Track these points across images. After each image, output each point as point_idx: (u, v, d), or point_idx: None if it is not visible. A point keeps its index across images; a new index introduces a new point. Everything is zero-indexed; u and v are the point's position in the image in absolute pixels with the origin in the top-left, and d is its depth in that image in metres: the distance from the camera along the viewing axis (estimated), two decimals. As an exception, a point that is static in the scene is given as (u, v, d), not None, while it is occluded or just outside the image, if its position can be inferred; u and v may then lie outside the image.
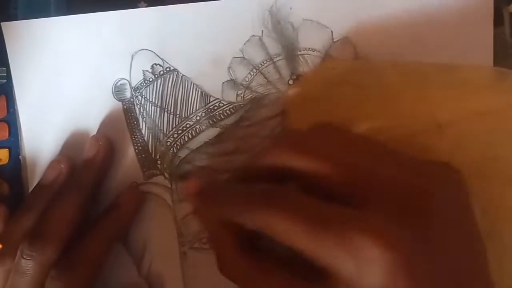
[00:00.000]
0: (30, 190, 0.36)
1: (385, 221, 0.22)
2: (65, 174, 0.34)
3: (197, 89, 0.34)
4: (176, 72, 0.34)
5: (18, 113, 0.36)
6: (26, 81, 0.35)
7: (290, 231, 0.23)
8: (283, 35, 0.34)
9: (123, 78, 0.35)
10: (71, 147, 0.36)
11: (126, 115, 0.35)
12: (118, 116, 0.35)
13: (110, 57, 0.35)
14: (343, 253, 0.21)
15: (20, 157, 0.36)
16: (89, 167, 0.33)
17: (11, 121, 0.36)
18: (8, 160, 0.37)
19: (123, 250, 0.36)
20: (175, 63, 0.34)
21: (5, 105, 0.36)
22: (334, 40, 0.34)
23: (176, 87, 0.35)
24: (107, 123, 0.35)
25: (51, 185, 0.34)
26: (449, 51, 0.32)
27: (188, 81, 0.34)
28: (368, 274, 0.21)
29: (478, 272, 0.23)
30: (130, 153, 0.35)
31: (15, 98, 0.36)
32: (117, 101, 0.35)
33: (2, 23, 0.35)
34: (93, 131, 0.35)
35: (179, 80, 0.34)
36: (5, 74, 0.36)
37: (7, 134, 0.36)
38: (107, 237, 0.33)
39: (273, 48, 0.34)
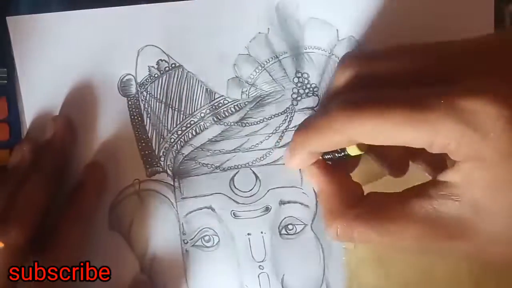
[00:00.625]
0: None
1: (487, 83, 0.21)
2: (28, 158, 0.33)
3: (202, 85, 0.34)
4: (181, 68, 0.34)
5: (23, 108, 0.35)
6: (31, 76, 0.35)
7: (389, 123, 0.22)
8: (289, 33, 0.34)
9: (129, 74, 0.35)
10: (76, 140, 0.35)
11: (131, 111, 0.35)
12: (123, 112, 0.35)
13: (116, 52, 0.35)
14: (453, 122, 0.21)
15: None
16: (48, 149, 0.33)
17: (12, 122, 0.36)
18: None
19: (126, 246, 0.35)
20: (180, 59, 0.34)
21: (6, 106, 0.36)
22: (340, 39, 0.34)
23: (181, 84, 0.35)
24: (112, 119, 0.35)
25: (15, 170, 0.33)
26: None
27: (193, 77, 0.34)
28: (484, 135, 0.21)
29: None
30: (133, 150, 0.35)
31: (20, 93, 0.35)
32: (122, 97, 0.35)
33: (7, 18, 0.35)
34: (98, 126, 0.35)
35: (184, 76, 0.35)
36: (6, 75, 0.36)
37: (8, 135, 0.36)
38: (79, 217, 0.33)
39: (279, 45, 0.34)
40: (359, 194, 0.27)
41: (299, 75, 0.34)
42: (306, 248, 0.35)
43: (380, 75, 0.24)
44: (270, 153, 0.34)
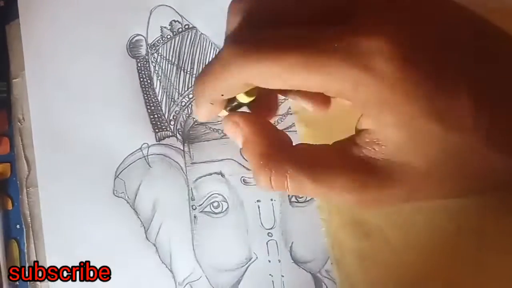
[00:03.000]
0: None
1: (384, 20, 0.20)
2: None
3: (216, 48, 0.34)
4: (195, 30, 0.34)
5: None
6: (36, 33, 0.34)
7: (284, 66, 0.21)
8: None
9: (139, 34, 0.34)
10: (80, 103, 0.34)
11: (140, 73, 0.34)
12: (131, 74, 0.34)
13: (127, 12, 0.34)
14: (349, 66, 0.20)
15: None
16: None
17: (12, 135, 0.35)
18: (10, 174, 0.36)
19: (131, 212, 0.35)
20: (194, 20, 0.34)
21: (6, 119, 0.35)
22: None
23: (194, 46, 0.34)
24: (120, 81, 0.34)
25: None
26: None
27: (206, 39, 0.34)
28: (381, 78, 0.20)
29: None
30: (142, 113, 0.34)
31: (23, 52, 0.34)
32: (131, 58, 0.34)
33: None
34: (106, 89, 0.34)
35: (198, 38, 0.34)
36: (5, 89, 0.35)
37: (8, 148, 0.36)
38: None
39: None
40: (288, 141, 0.26)
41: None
42: (316, 216, 0.34)
43: (276, 13, 0.23)
44: (283, 119, 0.34)
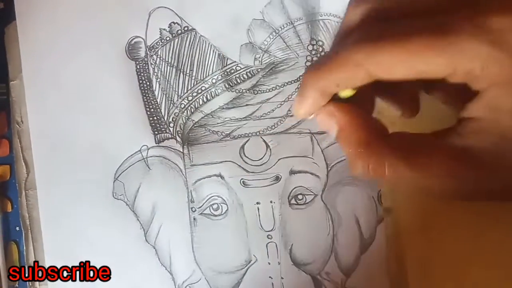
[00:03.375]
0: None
1: (502, 2, 0.20)
2: None
3: (215, 50, 0.34)
4: (194, 32, 0.34)
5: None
6: (34, 36, 0.34)
7: (410, 50, 0.21)
8: (305, -1, 0.33)
9: (138, 36, 0.34)
10: (79, 105, 0.34)
11: (139, 75, 0.34)
12: (131, 76, 0.34)
13: (126, 14, 0.34)
14: (479, 44, 0.20)
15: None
16: None
17: (12, 137, 0.35)
18: (10, 177, 0.36)
19: (131, 215, 0.35)
20: (193, 22, 0.34)
21: (6, 121, 0.35)
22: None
23: (193, 48, 0.34)
24: (119, 83, 0.34)
25: None
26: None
27: (205, 41, 0.34)
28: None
29: None
30: (141, 115, 0.34)
31: (21, 54, 0.34)
32: (130, 60, 0.34)
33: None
34: (104, 91, 0.34)
35: (197, 40, 0.34)
36: (5, 91, 0.35)
37: (8, 150, 0.35)
38: None
39: (294, 11, 0.34)
40: (385, 130, 0.25)
41: (314, 42, 0.34)
42: (315, 218, 0.34)
43: (396, 8, 0.23)
44: (282, 122, 0.34)
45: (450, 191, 0.24)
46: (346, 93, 0.25)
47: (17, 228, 0.36)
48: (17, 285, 0.35)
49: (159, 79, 0.34)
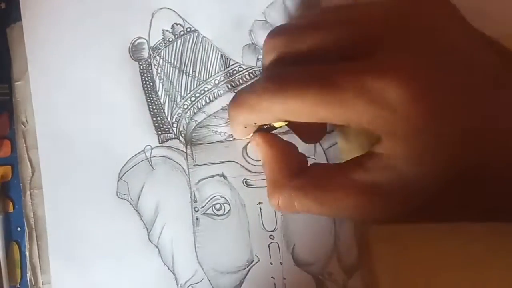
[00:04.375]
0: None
1: (397, 58, 0.22)
2: None
3: (217, 51, 0.34)
4: (196, 33, 0.34)
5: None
6: (39, 36, 0.34)
7: (306, 103, 0.23)
8: None
9: (141, 37, 0.34)
10: (83, 106, 0.35)
11: (142, 76, 0.34)
12: (134, 77, 0.34)
13: (129, 14, 0.34)
14: (363, 102, 0.22)
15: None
16: None
17: (14, 138, 0.35)
18: (11, 177, 0.36)
19: (134, 214, 0.35)
20: (196, 23, 0.34)
21: (8, 122, 0.36)
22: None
23: (196, 49, 0.34)
24: (122, 84, 0.34)
25: None
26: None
27: (208, 43, 0.34)
28: (392, 113, 0.21)
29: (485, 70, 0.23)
30: (144, 116, 0.34)
31: (27, 54, 0.34)
32: (133, 61, 0.34)
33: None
34: (108, 91, 0.34)
35: (200, 41, 0.34)
36: (8, 91, 0.35)
37: (9, 151, 0.36)
38: None
39: (296, 11, 0.34)
40: (303, 165, 0.27)
41: (316, 43, 0.34)
42: (318, 218, 0.34)
43: (302, 51, 0.24)
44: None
45: (370, 220, 0.26)
46: (278, 124, 0.27)
47: (19, 229, 0.36)
48: (18, 285, 0.36)
49: (162, 80, 0.34)
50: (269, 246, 0.34)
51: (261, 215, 0.35)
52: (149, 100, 0.34)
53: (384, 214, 0.25)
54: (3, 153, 0.36)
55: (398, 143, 0.22)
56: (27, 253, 0.35)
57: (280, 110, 0.24)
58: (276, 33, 0.26)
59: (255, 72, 0.34)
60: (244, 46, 0.34)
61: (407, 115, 0.21)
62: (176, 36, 0.34)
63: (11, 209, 0.36)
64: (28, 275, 0.35)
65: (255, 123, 0.26)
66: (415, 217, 0.25)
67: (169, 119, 0.34)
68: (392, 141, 0.22)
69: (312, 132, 0.29)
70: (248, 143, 0.34)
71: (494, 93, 0.23)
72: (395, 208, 0.24)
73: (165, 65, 0.34)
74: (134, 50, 0.34)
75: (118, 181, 0.35)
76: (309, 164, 0.28)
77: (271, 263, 0.34)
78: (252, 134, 0.28)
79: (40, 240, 0.35)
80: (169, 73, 0.34)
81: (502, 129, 0.23)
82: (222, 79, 0.34)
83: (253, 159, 0.34)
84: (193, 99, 0.34)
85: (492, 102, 0.23)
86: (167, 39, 0.34)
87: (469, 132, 0.22)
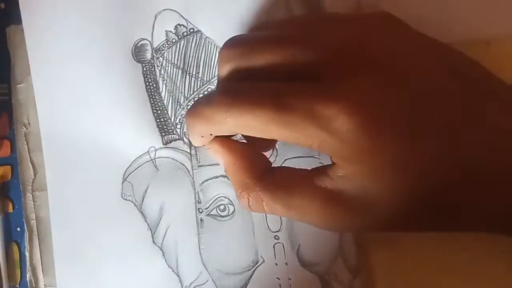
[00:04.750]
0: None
1: (348, 84, 0.22)
2: None
3: (221, 52, 0.34)
4: (200, 34, 0.34)
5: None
6: (41, 38, 0.34)
7: (258, 121, 0.23)
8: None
9: (144, 39, 0.34)
10: (86, 107, 0.35)
11: (146, 78, 0.34)
12: (137, 78, 0.34)
13: (132, 16, 0.34)
14: (312, 127, 0.22)
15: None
16: None
17: (13, 138, 0.36)
18: (11, 177, 0.36)
19: (139, 215, 0.35)
20: (199, 24, 0.34)
21: (7, 122, 0.36)
22: (361, 5, 0.34)
23: (199, 49, 0.34)
24: (125, 86, 0.34)
25: None
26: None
27: (211, 43, 0.34)
28: (340, 140, 0.22)
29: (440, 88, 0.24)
30: (148, 117, 0.34)
31: (28, 57, 0.34)
32: (136, 63, 0.34)
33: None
34: (112, 93, 0.34)
35: (203, 42, 0.34)
36: (7, 91, 0.35)
37: (9, 151, 0.36)
38: None
39: (299, 11, 0.34)
40: (267, 167, 0.28)
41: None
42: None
43: (257, 66, 0.25)
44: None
45: (334, 227, 0.26)
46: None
47: (18, 229, 0.36)
48: (18, 286, 0.36)
49: (165, 81, 0.34)
50: (274, 247, 0.34)
51: (266, 216, 0.34)
52: (152, 102, 0.34)
53: (347, 224, 0.25)
54: (2, 153, 0.36)
55: (346, 165, 0.23)
56: (27, 254, 0.35)
57: (234, 125, 0.24)
58: (231, 45, 0.26)
59: (258, 72, 0.34)
60: (247, 46, 0.34)
61: (354, 142, 0.22)
62: (180, 37, 0.34)
63: (10, 209, 0.36)
64: (28, 275, 0.35)
65: (211, 135, 0.26)
66: (381, 227, 0.26)
67: (172, 120, 0.34)
68: (342, 163, 0.23)
69: (263, 142, 0.29)
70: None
71: (447, 116, 0.23)
72: (357, 218, 0.25)
73: (168, 66, 0.34)
74: (137, 52, 0.34)
75: (122, 183, 0.35)
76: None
77: (276, 264, 0.34)
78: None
79: (42, 243, 0.35)
80: (173, 74, 0.34)
81: (454, 144, 0.23)
82: (225, 79, 0.34)
83: (257, 160, 0.34)
84: (196, 99, 0.34)
85: (441, 126, 0.23)
86: (170, 40, 0.34)
87: (420, 153, 0.23)
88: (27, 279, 0.35)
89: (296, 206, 0.25)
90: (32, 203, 0.35)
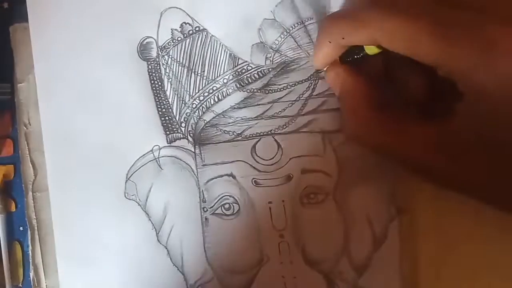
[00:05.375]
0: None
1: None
2: None
3: (226, 50, 0.34)
4: (205, 32, 0.34)
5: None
6: (46, 37, 0.34)
7: (412, 30, 0.23)
8: (315, -1, 0.34)
9: (150, 37, 0.34)
10: (90, 106, 0.34)
11: (151, 76, 0.34)
12: (142, 77, 0.34)
13: (137, 14, 0.34)
14: (472, 49, 0.22)
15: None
16: None
17: (16, 137, 0.35)
18: (14, 176, 0.36)
19: (143, 215, 0.35)
20: (205, 22, 0.34)
21: (10, 121, 0.35)
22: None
23: (204, 48, 0.34)
24: (130, 83, 0.34)
25: None
26: None
27: (217, 41, 0.34)
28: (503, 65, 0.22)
29: None
30: (153, 115, 0.34)
31: (33, 55, 0.34)
32: (141, 61, 0.34)
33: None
34: (116, 91, 0.34)
35: (208, 40, 0.34)
36: (10, 90, 0.35)
37: (12, 150, 0.36)
38: None
39: (305, 11, 0.34)
40: (382, 101, 0.27)
41: (325, 42, 0.34)
42: (327, 217, 0.34)
43: None
44: (293, 121, 0.34)
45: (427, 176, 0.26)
46: (371, 50, 0.26)
47: (21, 228, 0.36)
48: (21, 285, 0.35)
49: (170, 79, 0.34)
50: (279, 245, 0.34)
51: (271, 214, 0.34)
52: (157, 100, 0.34)
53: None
54: (5, 152, 0.36)
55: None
56: (30, 253, 0.34)
57: (380, 28, 0.24)
58: None
59: (264, 71, 0.34)
60: (252, 45, 0.34)
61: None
62: (185, 35, 0.34)
63: (13, 209, 0.36)
64: (31, 274, 0.35)
65: (343, 38, 0.26)
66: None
67: (177, 118, 0.34)
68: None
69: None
70: (257, 142, 0.34)
71: None
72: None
73: (173, 64, 0.34)
74: (143, 50, 0.34)
75: (126, 182, 0.35)
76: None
77: (281, 262, 0.34)
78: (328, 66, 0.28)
79: (44, 244, 0.35)
80: (178, 72, 0.34)
81: None
82: (230, 78, 0.34)
83: (262, 158, 0.34)
84: (201, 98, 0.34)
85: None
86: (176, 38, 0.34)
87: None
88: (30, 277, 0.35)
89: (403, 150, 0.25)
90: (33, 204, 0.35)
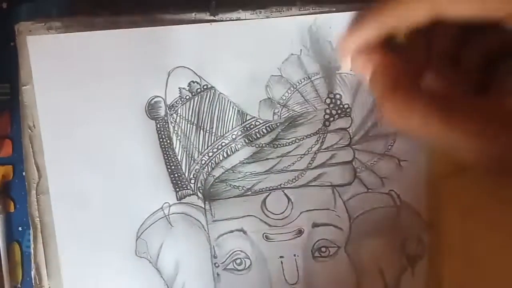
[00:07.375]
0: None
1: None
2: None
3: (234, 107, 0.34)
4: (213, 90, 0.34)
5: (40, 131, 0.34)
6: (51, 97, 0.34)
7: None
8: (321, 54, 0.34)
9: (158, 96, 0.34)
10: (100, 166, 0.34)
11: (159, 134, 0.34)
12: (151, 135, 0.34)
13: (145, 74, 0.34)
14: None
15: (24, 173, 0.35)
16: None
17: (15, 137, 0.35)
18: (13, 177, 0.36)
19: (155, 273, 0.34)
20: (212, 80, 0.34)
21: (9, 121, 0.35)
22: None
23: (213, 105, 0.34)
24: (139, 142, 0.34)
25: None
26: None
27: (225, 98, 0.34)
28: None
29: None
30: (162, 173, 0.34)
31: (38, 116, 0.34)
32: (150, 120, 0.34)
33: (27, 37, 0.34)
34: (125, 150, 0.34)
35: (216, 97, 0.34)
36: (9, 90, 0.35)
37: (11, 150, 0.36)
38: None
39: (311, 67, 0.34)
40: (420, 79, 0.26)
41: (332, 96, 0.34)
42: (339, 270, 0.34)
43: None
44: (303, 175, 0.34)
45: (475, 153, 0.22)
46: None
47: (20, 228, 0.36)
48: (19, 285, 0.35)
49: (179, 137, 0.34)
50: (291, 300, 0.34)
51: (283, 269, 0.34)
52: (166, 158, 0.34)
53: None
54: (4, 152, 0.36)
55: None
56: (32, 251, 0.34)
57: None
58: None
59: (272, 126, 0.34)
60: (260, 101, 0.34)
61: None
62: (193, 94, 0.34)
63: (12, 209, 0.36)
64: (32, 273, 0.34)
65: (398, 20, 0.24)
66: None
67: (186, 175, 0.34)
68: None
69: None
70: (267, 196, 0.34)
71: None
72: None
73: (182, 122, 0.34)
74: (151, 109, 0.34)
75: (136, 240, 0.35)
76: None
77: (295, 317, 0.34)
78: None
79: (46, 245, 0.35)
80: (186, 130, 0.34)
81: None
82: (239, 133, 0.34)
83: (272, 213, 0.34)
84: (210, 154, 0.34)
85: None
86: (184, 97, 0.34)
87: None
88: (32, 275, 0.35)
89: (455, 117, 0.23)
90: (36, 205, 0.35)
